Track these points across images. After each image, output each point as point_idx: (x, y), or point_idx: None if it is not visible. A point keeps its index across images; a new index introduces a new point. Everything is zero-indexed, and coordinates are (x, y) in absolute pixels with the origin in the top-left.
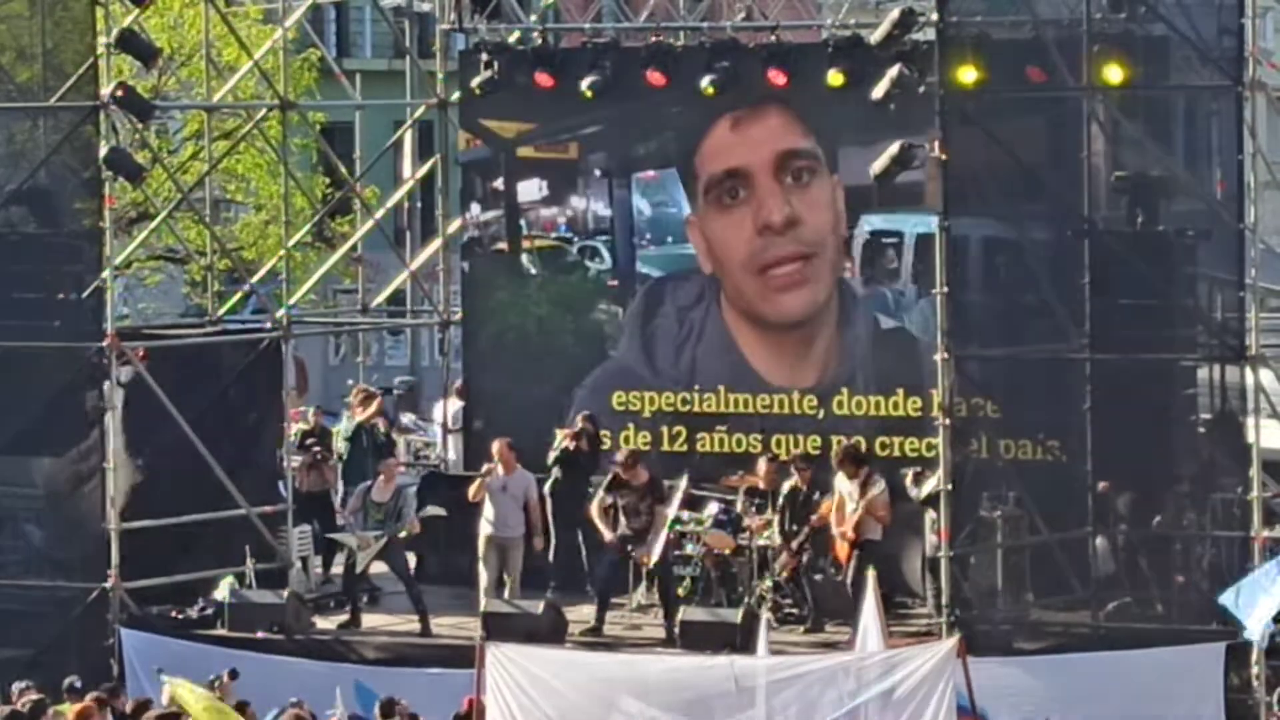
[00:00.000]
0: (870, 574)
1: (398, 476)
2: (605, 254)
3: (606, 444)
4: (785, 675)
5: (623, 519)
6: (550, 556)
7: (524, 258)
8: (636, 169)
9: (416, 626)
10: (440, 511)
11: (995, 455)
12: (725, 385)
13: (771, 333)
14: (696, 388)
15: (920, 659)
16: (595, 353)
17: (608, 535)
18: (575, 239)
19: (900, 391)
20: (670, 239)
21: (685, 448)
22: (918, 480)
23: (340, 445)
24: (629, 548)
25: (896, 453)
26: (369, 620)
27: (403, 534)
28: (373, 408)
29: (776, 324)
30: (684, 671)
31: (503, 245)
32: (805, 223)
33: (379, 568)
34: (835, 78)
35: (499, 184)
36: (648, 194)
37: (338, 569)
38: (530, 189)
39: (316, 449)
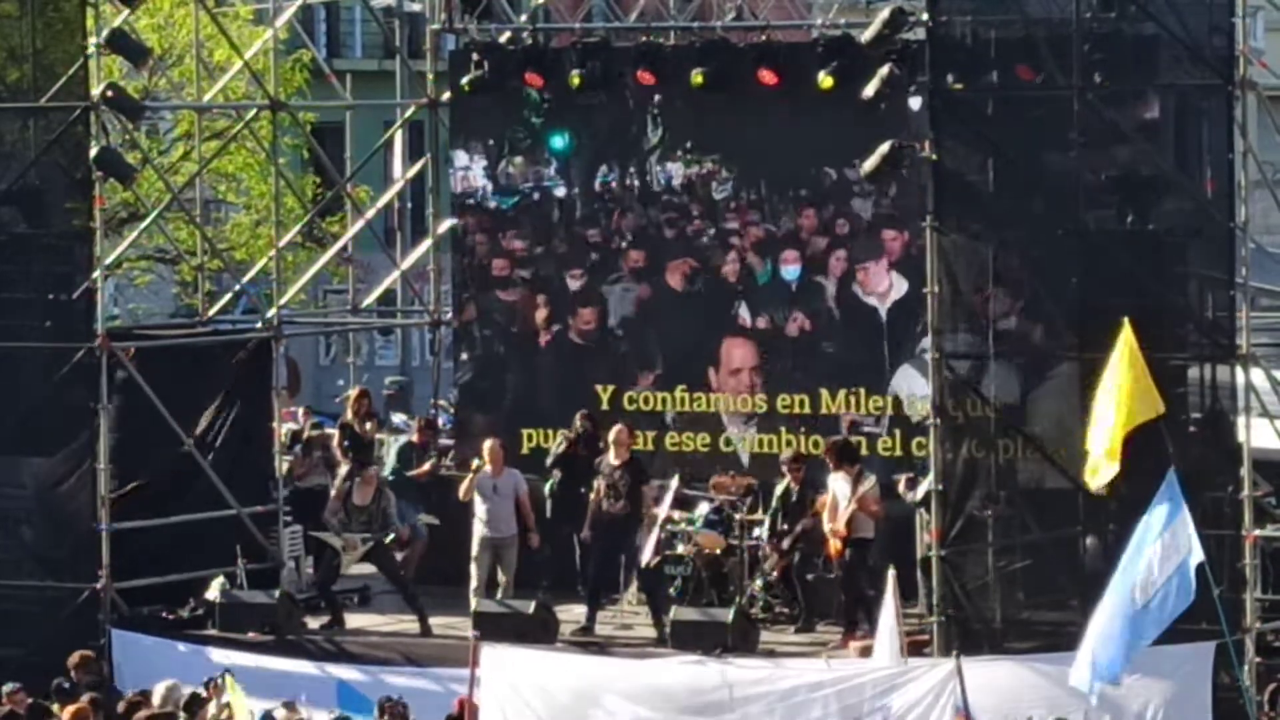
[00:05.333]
0: (890, 575)
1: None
2: None
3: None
4: (778, 686)
5: (603, 502)
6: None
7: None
8: None
9: (405, 627)
10: (433, 520)
11: (987, 455)
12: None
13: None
14: (682, 389)
15: (919, 676)
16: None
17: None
18: None
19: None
20: None
21: (674, 448)
22: (911, 485)
23: (390, 463)
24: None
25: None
26: (360, 620)
27: (389, 539)
28: (430, 464)
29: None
30: (676, 675)
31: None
32: None
33: (369, 567)
34: (825, 80)
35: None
36: None
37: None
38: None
39: (318, 451)
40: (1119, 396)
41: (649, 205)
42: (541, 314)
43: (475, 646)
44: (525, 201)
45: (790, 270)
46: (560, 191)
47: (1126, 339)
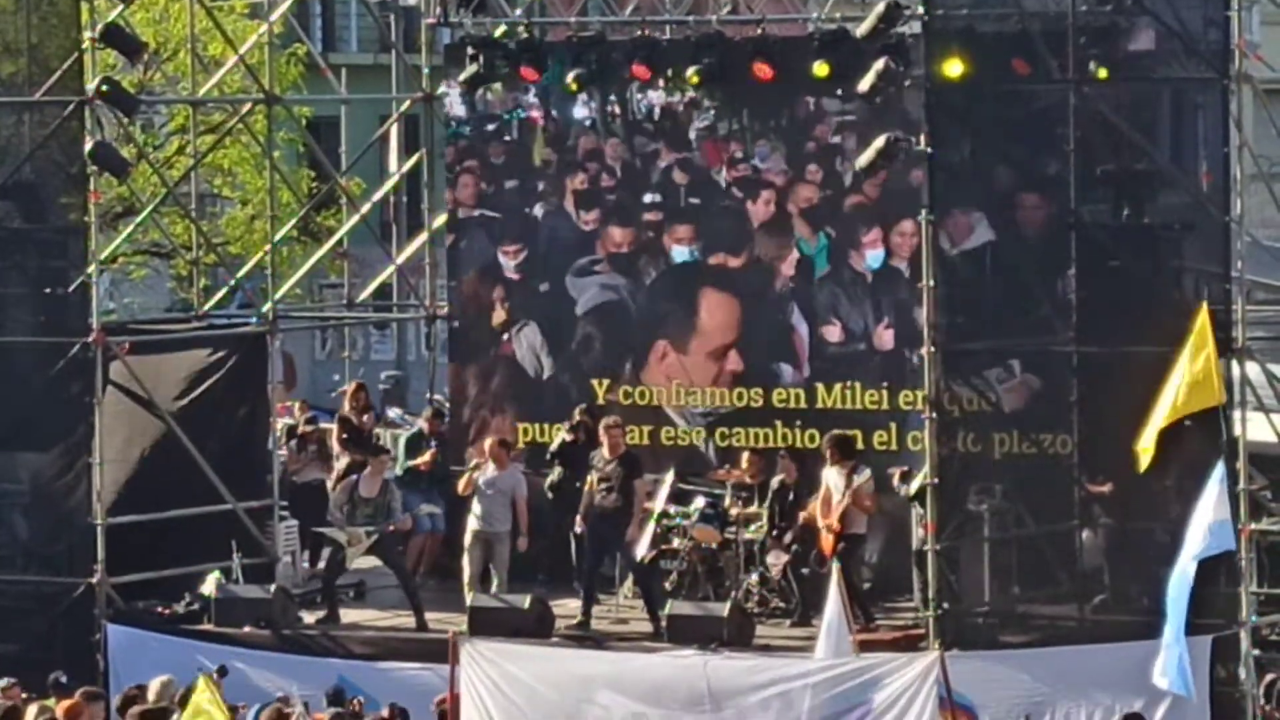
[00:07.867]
0: (835, 568)
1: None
2: None
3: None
4: (761, 679)
5: (596, 495)
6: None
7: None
8: None
9: (401, 621)
10: (436, 510)
11: (982, 449)
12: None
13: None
14: (679, 385)
15: (901, 669)
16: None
17: (578, 524)
18: None
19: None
20: None
21: (669, 442)
22: (905, 479)
23: (400, 452)
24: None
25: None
26: (355, 615)
27: (391, 528)
28: (429, 453)
29: None
30: (660, 668)
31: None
32: None
33: (366, 562)
34: (821, 68)
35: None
36: None
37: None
38: None
39: (312, 445)
40: (1180, 384)
41: (632, 134)
42: (499, 316)
43: (454, 642)
44: (502, 129)
45: (874, 257)
46: (538, 115)
47: (1202, 326)
